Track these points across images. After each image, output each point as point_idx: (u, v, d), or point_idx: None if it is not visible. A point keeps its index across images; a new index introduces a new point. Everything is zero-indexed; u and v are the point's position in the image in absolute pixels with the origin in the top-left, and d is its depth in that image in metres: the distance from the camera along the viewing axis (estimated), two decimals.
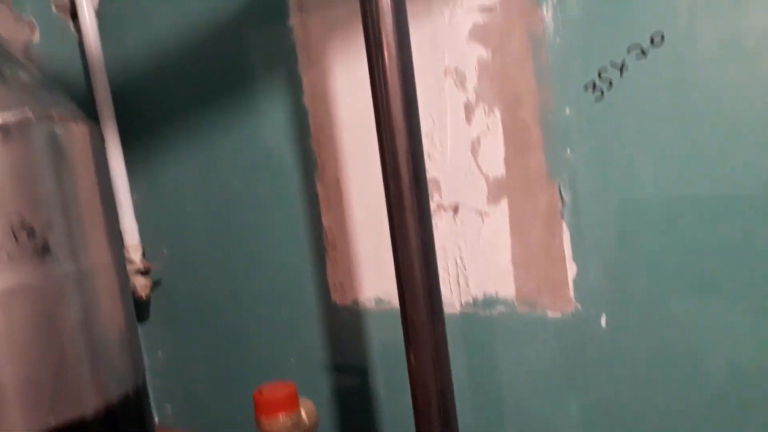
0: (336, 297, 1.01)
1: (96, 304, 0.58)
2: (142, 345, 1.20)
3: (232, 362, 1.11)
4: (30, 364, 0.52)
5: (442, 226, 0.89)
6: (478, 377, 0.90)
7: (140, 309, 1.19)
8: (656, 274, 0.77)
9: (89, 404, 0.56)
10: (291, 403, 0.61)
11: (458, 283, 0.90)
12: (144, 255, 1.10)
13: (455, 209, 0.88)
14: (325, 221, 0.99)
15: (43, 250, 0.52)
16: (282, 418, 0.60)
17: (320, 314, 1.03)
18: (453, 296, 0.91)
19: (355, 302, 0.99)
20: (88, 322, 0.56)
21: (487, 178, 0.85)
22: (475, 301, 0.89)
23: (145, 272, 1.08)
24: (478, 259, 0.88)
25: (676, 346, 0.77)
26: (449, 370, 0.65)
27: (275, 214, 1.03)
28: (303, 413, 0.63)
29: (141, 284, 1.09)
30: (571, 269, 0.82)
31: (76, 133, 0.56)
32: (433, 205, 0.89)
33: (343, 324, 1.01)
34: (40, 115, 0.53)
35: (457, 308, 0.91)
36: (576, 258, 0.81)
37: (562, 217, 0.81)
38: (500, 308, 0.87)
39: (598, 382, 0.82)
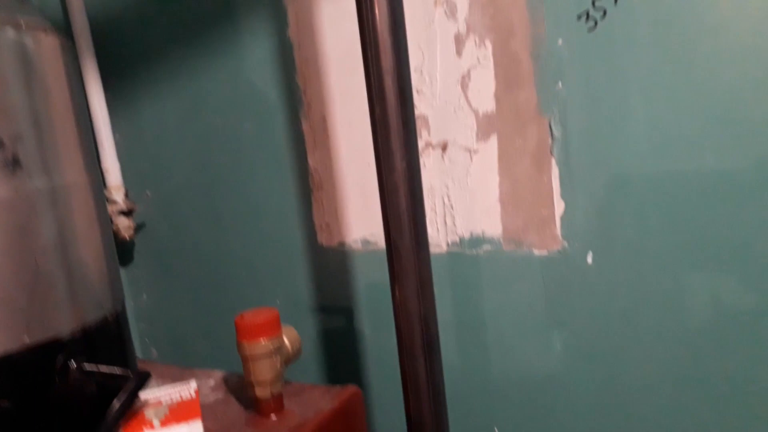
0: (322, 239, 1.00)
1: (71, 224, 0.56)
2: (126, 288, 1.20)
3: (217, 305, 1.10)
4: (2, 280, 0.50)
5: (430, 165, 0.88)
6: (463, 315, 0.90)
7: (124, 251, 1.17)
8: (644, 212, 0.76)
9: (65, 325, 0.55)
10: (273, 328, 0.60)
11: (445, 223, 0.89)
12: (127, 196, 1.08)
13: (443, 147, 0.86)
14: (311, 161, 0.97)
15: (14, 164, 0.51)
16: (263, 342, 0.59)
17: (306, 256, 1.02)
18: (440, 236, 0.90)
19: (342, 244, 0.98)
20: (63, 242, 0.55)
21: (476, 113, 0.83)
22: (461, 240, 0.88)
23: (128, 213, 1.06)
24: (466, 198, 0.87)
25: (661, 283, 0.76)
26: (433, 298, 0.65)
27: (260, 153, 1.00)
28: (285, 339, 0.63)
29: (124, 225, 1.07)
30: (559, 206, 0.81)
31: (46, 44, 0.54)
32: (421, 143, 0.87)
33: (330, 266, 1.00)
34: (5, 21, 0.50)
35: (444, 248, 0.90)
36: (564, 195, 0.80)
37: (552, 153, 0.79)
38: (486, 247, 0.87)
39: (582, 319, 0.82)
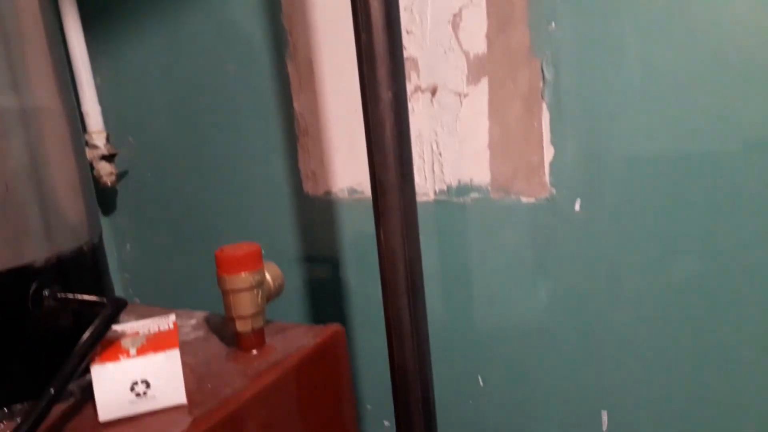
0: (308, 187, 0.98)
1: (43, 150, 0.54)
2: (110, 238, 1.18)
3: (201, 255, 1.09)
4: None
5: (419, 110, 0.86)
6: (449, 265, 0.89)
7: (106, 198, 1.15)
8: (635, 157, 0.75)
9: (39, 252, 0.53)
10: (254, 262, 0.59)
11: (433, 171, 0.88)
12: (108, 141, 1.05)
13: (433, 91, 0.84)
14: (297, 105, 0.94)
15: None
16: (244, 276, 0.58)
17: (292, 205, 1.00)
18: (427, 184, 0.89)
19: (328, 193, 0.97)
20: (35, 167, 0.53)
21: (467, 55, 0.81)
22: (449, 188, 0.87)
23: (109, 158, 1.04)
24: (455, 144, 0.85)
25: (649, 231, 0.76)
26: (417, 237, 0.64)
27: (244, 97, 0.98)
28: (267, 275, 0.61)
29: (106, 171, 1.04)
30: (549, 152, 0.79)
31: None
32: (410, 87, 0.85)
33: (316, 215, 0.99)
34: None
35: (431, 196, 0.89)
36: (554, 140, 0.79)
37: (543, 97, 0.78)
38: (474, 195, 0.86)
39: (569, 267, 0.82)
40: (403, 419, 0.68)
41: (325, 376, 0.64)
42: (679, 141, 0.72)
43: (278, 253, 1.04)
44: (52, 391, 0.45)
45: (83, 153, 0.60)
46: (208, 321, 0.71)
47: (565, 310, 0.83)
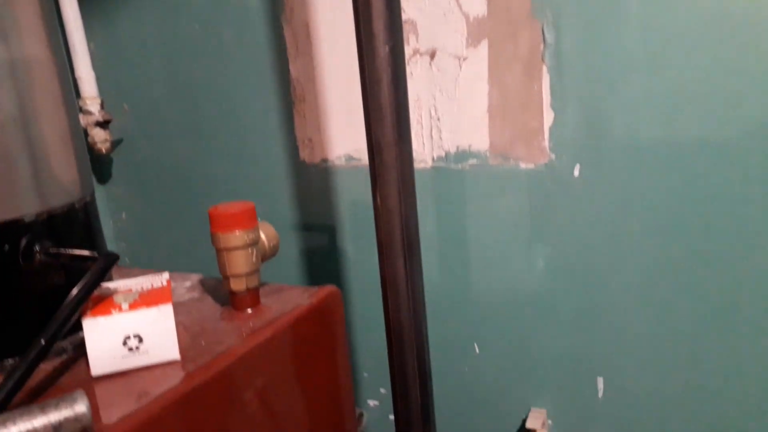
0: (304, 155, 0.97)
1: (32, 102, 0.53)
2: (105, 207, 1.17)
3: (198, 223, 1.08)
4: None
5: (417, 74, 0.84)
6: (446, 232, 0.89)
7: (102, 167, 1.14)
8: (636, 122, 0.74)
9: (29, 207, 0.52)
10: (248, 220, 0.58)
11: (431, 137, 0.87)
12: (102, 107, 1.04)
13: (432, 55, 0.83)
14: (293, 70, 0.93)
15: None
16: (238, 233, 0.57)
17: (288, 173, 0.99)
18: (425, 151, 0.88)
19: (325, 160, 0.96)
20: (24, 119, 0.52)
21: (467, 17, 0.79)
22: (447, 155, 0.86)
23: (104, 124, 1.03)
24: (453, 109, 0.84)
25: (650, 196, 0.75)
26: (414, 197, 0.63)
27: (240, 62, 0.96)
28: (262, 234, 0.61)
29: (100, 138, 1.03)
30: (548, 117, 0.78)
31: None
32: (408, 51, 0.83)
33: (312, 183, 0.98)
34: None
35: (429, 163, 0.88)
36: (554, 105, 0.78)
37: (543, 60, 0.76)
38: (472, 161, 0.85)
39: (567, 233, 0.81)
40: (399, 384, 0.68)
41: (320, 336, 0.63)
42: (682, 106, 0.71)
43: (274, 222, 1.02)
44: (42, 342, 0.44)
45: (75, 109, 0.59)
46: (203, 283, 0.70)
47: (562, 276, 0.83)
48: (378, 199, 0.63)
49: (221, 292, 0.66)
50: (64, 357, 0.54)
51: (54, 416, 0.40)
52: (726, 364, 0.76)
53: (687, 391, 0.79)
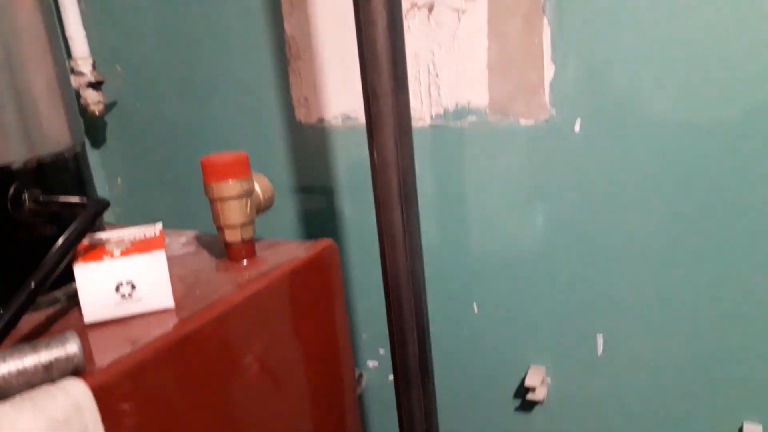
0: (300, 115, 0.95)
1: (19, 48, 0.51)
2: (100, 172, 1.16)
3: (193, 188, 1.07)
4: None
5: (415, 28, 0.82)
6: (445, 192, 0.87)
7: (96, 131, 1.12)
8: (638, 74, 0.72)
9: (17, 154, 0.51)
10: (242, 169, 0.57)
11: (429, 94, 0.85)
12: (94, 68, 1.02)
13: (430, 8, 0.81)
14: (288, 27, 0.91)
15: None
16: (231, 183, 0.56)
17: (284, 134, 0.98)
18: (423, 108, 0.86)
19: (321, 120, 0.94)
20: (10, 66, 0.50)
21: None
22: (446, 112, 0.85)
23: (96, 86, 1.01)
24: (452, 65, 0.82)
25: (649, 152, 0.74)
26: (411, 146, 0.62)
27: (234, 21, 0.94)
28: (257, 185, 0.60)
29: (93, 99, 1.01)
30: (549, 71, 0.77)
31: None
32: (405, 4, 0.81)
33: (308, 144, 0.97)
34: None
35: (427, 121, 0.86)
36: (555, 58, 0.76)
37: (544, 12, 0.74)
38: (472, 119, 0.83)
39: (566, 191, 0.80)
40: (397, 334, 0.67)
41: (317, 290, 0.63)
42: (686, 57, 0.69)
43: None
44: (32, 284, 0.44)
45: (62, 59, 0.57)
46: (198, 239, 0.70)
47: (562, 233, 0.82)
48: (374, 151, 0.61)
49: (217, 247, 0.65)
50: (58, 307, 0.54)
51: (45, 355, 0.39)
52: (726, 321, 0.75)
53: (687, 347, 0.78)
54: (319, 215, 1.00)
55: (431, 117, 0.86)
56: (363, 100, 0.60)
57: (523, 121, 0.80)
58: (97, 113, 1.03)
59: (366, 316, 1.00)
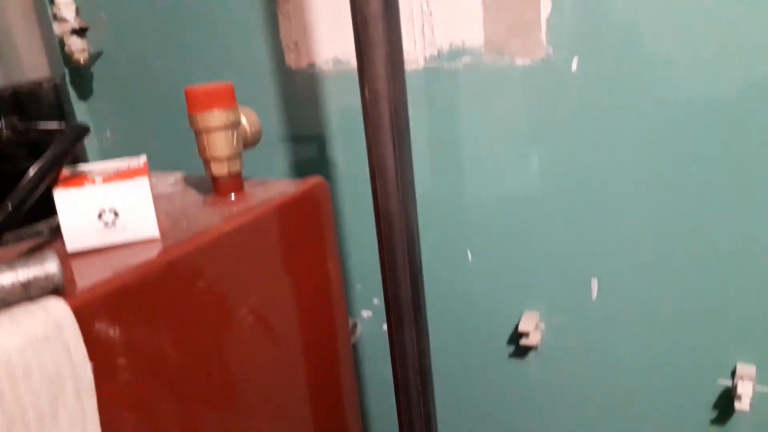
0: (290, 60, 0.93)
1: None
2: (90, 126, 1.13)
3: (183, 138, 1.04)
4: None
5: None
6: (438, 136, 0.86)
7: (82, 81, 1.09)
8: (637, 9, 0.70)
9: None
10: (227, 99, 0.55)
11: (423, 34, 0.82)
12: (78, 14, 0.98)
13: None
14: None
15: None
16: (217, 113, 0.54)
17: (273, 80, 0.95)
18: (417, 50, 0.84)
19: (311, 65, 0.92)
20: None
21: None
22: (440, 53, 0.82)
23: (80, 32, 0.98)
24: (446, 2, 0.79)
25: (651, 88, 0.72)
26: (403, 79, 0.60)
27: None
28: (243, 118, 0.58)
29: (77, 47, 0.99)
30: (546, 7, 0.74)
31: None
32: None
33: (299, 90, 0.94)
34: None
35: (421, 63, 0.84)
36: None
37: None
38: (466, 59, 0.81)
39: (563, 133, 0.78)
40: (390, 276, 0.66)
41: (307, 228, 0.62)
42: None
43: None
44: (9, 206, 0.42)
45: None
46: (187, 179, 0.68)
47: (558, 177, 0.80)
48: (365, 84, 0.60)
49: (205, 186, 0.64)
50: (40, 239, 0.52)
51: (23, 274, 0.38)
52: (720, 263, 0.75)
53: (681, 292, 0.78)
54: (310, 164, 0.98)
55: (425, 59, 0.84)
56: (352, 25, 0.58)
57: (518, 61, 0.78)
58: (82, 62, 1.00)
59: (360, 266, 0.99)
